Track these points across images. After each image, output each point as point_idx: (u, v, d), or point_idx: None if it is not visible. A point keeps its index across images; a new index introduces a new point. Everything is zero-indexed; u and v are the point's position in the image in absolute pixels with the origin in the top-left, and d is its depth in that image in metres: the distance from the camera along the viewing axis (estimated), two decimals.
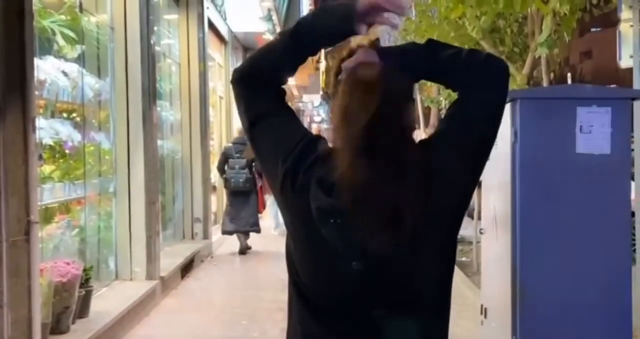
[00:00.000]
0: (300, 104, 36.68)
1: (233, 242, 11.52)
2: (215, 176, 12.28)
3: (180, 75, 10.42)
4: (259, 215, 11.06)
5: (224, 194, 12.28)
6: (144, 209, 7.23)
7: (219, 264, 9.98)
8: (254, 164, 10.39)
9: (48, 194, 5.62)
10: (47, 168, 5.72)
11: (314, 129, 14.41)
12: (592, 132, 3.79)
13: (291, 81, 18.06)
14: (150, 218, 7.34)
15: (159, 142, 8.24)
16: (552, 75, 8.27)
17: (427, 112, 17.82)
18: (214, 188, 12.41)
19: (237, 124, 14.06)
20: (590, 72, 43.05)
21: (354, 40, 1.72)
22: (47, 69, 5.66)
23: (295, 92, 25.99)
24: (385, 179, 1.53)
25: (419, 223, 1.53)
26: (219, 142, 13.39)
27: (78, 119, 6.37)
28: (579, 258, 3.83)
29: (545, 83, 7.80)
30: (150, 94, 7.42)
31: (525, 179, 3.84)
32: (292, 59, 1.74)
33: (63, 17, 6.08)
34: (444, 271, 1.68)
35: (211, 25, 11.83)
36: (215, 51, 13.03)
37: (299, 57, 1.74)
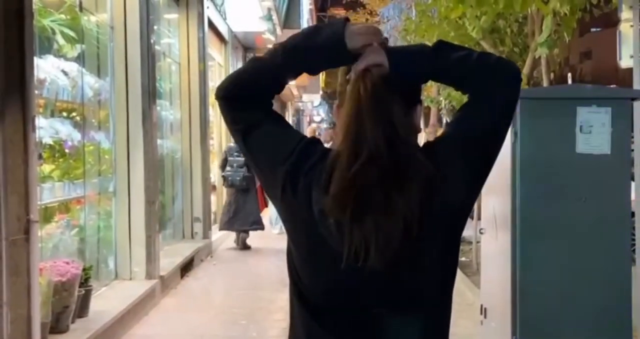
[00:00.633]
0: (300, 104, 36.69)
1: (233, 242, 11.53)
2: (215, 176, 12.30)
3: (180, 74, 10.42)
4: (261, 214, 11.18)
5: (223, 193, 12.37)
6: (143, 208, 7.23)
7: (219, 264, 9.98)
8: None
9: (48, 194, 5.62)
10: (46, 167, 5.72)
11: (309, 130, 14.37)
12: (592, 132, 3.79)
13: (291, 81, 18.07)
14: (150, 218, 7.34)
15: (159, 141, 8.24)
16: (552, 75, 8.25)
17: (426, 112, 17.80)
18: (214, 187, 12.41)
19: None
20: (590, 72, 43.05)
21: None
22: (47, 68, 5.66)
23: (295, 92, 25.98)
24: (389, 183, 1.52)
25: (422, 225, 1.53)
26: (218, 141, 13.39)
27: (78, 118, 6.36)
28: (579, 257, 3.83)
29: (545, 83, 7.78)
30: (150, 94, 7.42)
31: (525, 179, 3.85)
32: (277, 80, 1.72)
33: (63, 16, 6.08)
34: (446, 272, 1.67)
35: (211, 25, 11.83)
36: (215, 51, 13.03)
37: (285, 79, 1.72)
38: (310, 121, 38.88)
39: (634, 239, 4.44)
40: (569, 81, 6.47)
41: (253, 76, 1.73)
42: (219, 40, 13.55)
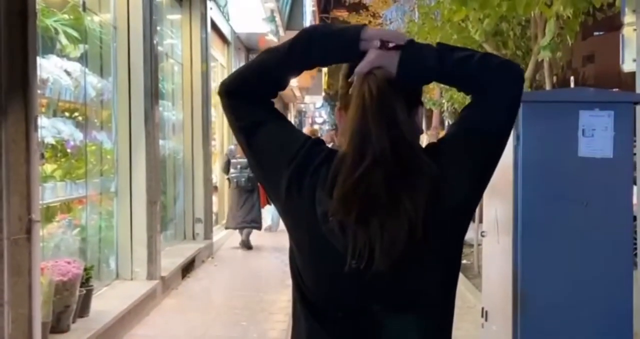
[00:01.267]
0: (302, 106, 36.71)
1: (234, 243, 11.56)
2: (216, 176, 12.33)
3: (183, 75, 10.43)
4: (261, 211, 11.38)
5: (225, 194, 12.46)
6: (145, 208, 7.24)
7: (220, 265, 9.98)
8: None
9: (49, 193, 5.62)
10: (48, 167, 5.73)
11: (306, 131, 14.46)
12: (595, 135, 3.79)
13: (293, 82, 18.07)
14: (152, 218, 7.34)
15: (161, 142, 8.24)
16: (554, 78, 8.26)
17: (429, 114, 17.82)
18: (215, 188, 12.42)
19: None
20: (592, 76, 43.03)
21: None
22: (49, 68, 5.66)
23: (297, 94, 26.00)
24: (394, 185, 1.53)
25: (425, 226, 1.53)
26: (220, 142, 13.40)
27: (80, 118, 6.37)
28: (581, 261, 3.83)
29: (547, 86, 7.79)
30: (153, 94, 7.42)
31: (527, 182, 3.84)
32: (283, 75, 1.72)
33: (66, 16, 6.09)
34: (448, 274, 1.67)
35: (214, 26, 11.84)
36: (217, 52, 13.03)
37: (290, 74, 1.72)
38: (313, 123, 38.90)
39: (636, 243, 4.44)
40: (572, 84, 6.48)
41: (259, 68, 1.72)
42: (222, 41, 13.55)
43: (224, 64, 13.89)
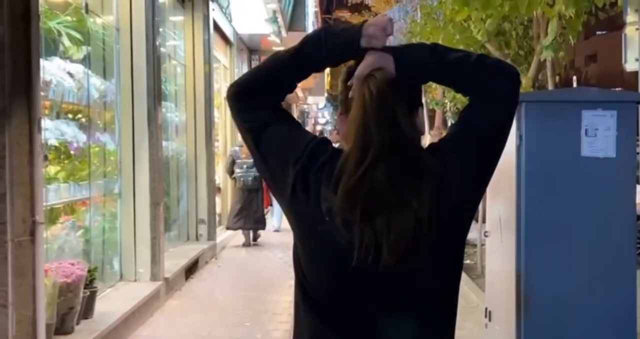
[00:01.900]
0: (305, 106, 36.70)
1: (237, 244, 11.57)
2: (219, 177, 12.35)
3: (186, 76, 10.43)
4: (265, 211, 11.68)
5: (228, 195, 12.54)
6: (148, 210, 7.24)
7: (223, 266, 9.98)
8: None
9: (53, 195, 5.63)
10: (52, 169, 5.73)
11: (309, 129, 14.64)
12: (597, 135, 3.79)
13: None
14: (155, 219, 7.35)
15: (164, 143, 8.25)
16: (557, 78, 8.25)
17: (431, 114, 17.80)
18: (219, 189, 12.43)
19: None
20: (595, 76, 42.99)
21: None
22: (52, 70, 5.67)
23: (300, 94, 26.00)
24: (397, 182, 1.55)
25: (429, 224, 1.54)
26: (223, 143, 13.40)
27: (83, 120, 6.38)
28: (584, 261, 3.83)
29: (550, 86, 7.79)
30: (156, 96, 7.43)
31: (530, 182, 3.84)
32: (292, 77, 1.75)
33: (69, 18, 6.10)
34: (450, 273, 1.68)
35: (216, 27, 11.84)
36: (220, 53, 13.04)
37: (299, 75, 1.74)
38: (315, 123, 38.92)
39: (639, 243, 4.44)
40: (574, 84, 6.48)
41: (264, 72, 1.77)
42: (225, 42, 13.56)
43: (227, 65, 13.90)
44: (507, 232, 4.06)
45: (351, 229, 1.55)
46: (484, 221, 6.00)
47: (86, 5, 6.36)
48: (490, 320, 4.47)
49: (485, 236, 4.63)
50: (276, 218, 12.83)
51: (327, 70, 26.78)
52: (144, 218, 7.23)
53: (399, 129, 1.57)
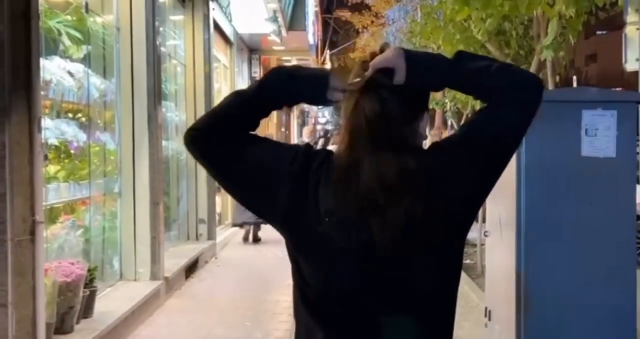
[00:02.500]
0: (305, 106, 36.68)
1: (237, 244, 11.59)
2: None
3: (186, 76, 10.43)
4: None
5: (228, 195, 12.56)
6: (148, 209, 7.25)
7: (223, 266, 9.98)
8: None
9: (53, 194, 5.63)
10: (52, 168, 5.73)
11: (305, 131, 14.66)
12: (598, 135, 3.79)
13: None
14: (155, 219, 7.35)
15: (164, 142, 8.25)
16: (557, 78, 8.23)
17: (432, 114, 17.79)
18: (219, 189, 12.42)
19: None
20: (595, 75, 42.99)
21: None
22: (52, 70, 5.67)
23: None
24: (387, 188, 1.55)
25: (425, 224, 1.54)
26: None
27: (83, 119, 6.38)
28: (584, 261, 3.83)
29: (550, 86, 7.77)
30: (156, 95, 7.43)
31: (530, 182, 3.84)
32: (253, 117, 1.72)
33: (69, 17, 6.10)
34: (447, 276, 1.67)
35: (217, 27, 11.84)
36: (220, 52, 13.03)
37: (260, 114, 1.72)
38: (316, 122, 38.89)
39: (639, 243, 4.44)
40: (575, 84, 6.47)
41: (227, 111, 1.73)
42: (225, 42, 13.56)
43: (227, 65, 13.90)
44: (507, 232, 4.06)
45: (348, 230, 1.56)
46: (484, 221, 6.00)
47: (86, 4, 6.36)
48: (490, 320, 4.47)
49: (485, 235, 4.63)
50: None
51: (328, 67, 26.78)
52: (144, 217, 7.23)
53: (403, 134, 1.60)
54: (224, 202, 12.89)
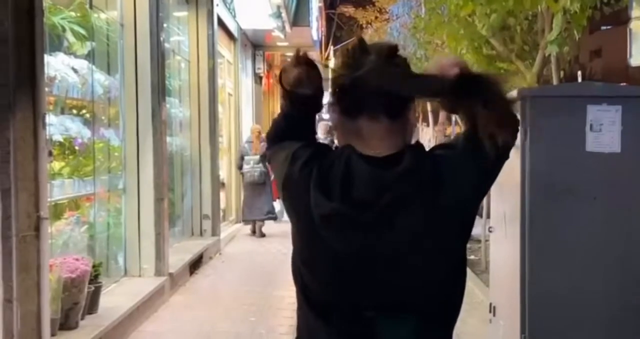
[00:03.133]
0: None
1: (241, 240, 11.60)
2: (224, 173, 12.40)
3: (190, 72, 10.43)
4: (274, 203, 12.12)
5: (232, 190, 12.63)
6: (152, 205, 7.26)
7: (227, 261, 10.00)
8: (266, 159, 10.68)
9: (58, 190, 5.64)
10: (56, 164, 5.74)
11: (321, 126, 14.79)
12: (602, 130, 3.78)
13: None
14: (159, 215, 7.36)
15: (168, 139, 8.25)
16: (562, 73, 8.21)
17: (436, 109, 17.75)
18: (223, 185, 12.46)
19: (246, 121, 14.09)
20: (600, 71, 42.83)
21: None
22: (57, 66, 5.67)
23: None
24: (390, 184, 1.56)
25: (423, 226, 1.55)
26: (227, 139, 13.41)
27: (88, 115, 6.38)
28: (588, 256, 3.83)
29: (555, 81, 7.75)
30: (160, 91, 7.43)
31: (535, 178, 3.83)
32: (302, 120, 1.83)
33: (73, 13, 6.10)
34: (448, 276, 1.68)
35: (220, 22, 11.83)
36: (224, 48, 13.03)
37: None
38: (320, 119, 38.89)
39: None
40: (579, 79, 6.45)
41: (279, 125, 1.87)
42: (228, 37, 13.55)
43: (231, 61, 13.89)
44: (511, 228, 4.06)
45: (348, 231, 1.56)
46: (488, 217, 5.99)
47: (90, 0, 6.36)
48: (494, 315, 4.47)
49: (490, 231, 4.63)
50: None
51: (332, 65, 26.76)
52: (148, 214, 7.25)
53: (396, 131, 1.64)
54: (228, 198, 12.90)
